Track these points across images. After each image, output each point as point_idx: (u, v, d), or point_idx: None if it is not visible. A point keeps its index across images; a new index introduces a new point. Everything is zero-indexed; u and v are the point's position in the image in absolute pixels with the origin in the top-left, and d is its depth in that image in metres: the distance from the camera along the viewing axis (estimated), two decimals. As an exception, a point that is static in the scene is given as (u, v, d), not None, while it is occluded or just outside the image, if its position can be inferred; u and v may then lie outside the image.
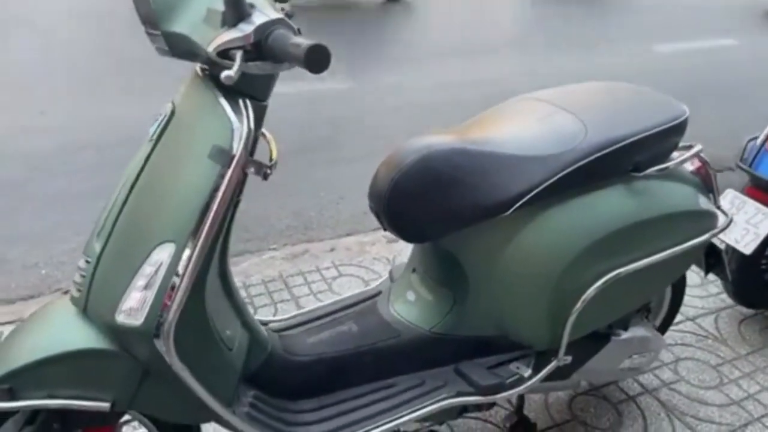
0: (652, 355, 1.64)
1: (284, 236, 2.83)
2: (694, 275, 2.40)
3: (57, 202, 2.93)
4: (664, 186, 1.43)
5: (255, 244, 2.75)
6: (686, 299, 2.25)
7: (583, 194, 1.36)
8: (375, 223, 3.04)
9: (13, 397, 1.14)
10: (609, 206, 1.36)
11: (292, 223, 2.94)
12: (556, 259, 1.34)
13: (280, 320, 1.54)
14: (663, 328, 1.87)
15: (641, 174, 1.39)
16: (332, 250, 2.68)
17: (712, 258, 1.77)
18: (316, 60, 0.91)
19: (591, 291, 1.36)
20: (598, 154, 1.33)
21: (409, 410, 1.37)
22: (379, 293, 1.61)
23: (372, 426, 1.34)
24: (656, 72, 5.26)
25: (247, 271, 2.48)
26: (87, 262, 1.15)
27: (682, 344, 2.09)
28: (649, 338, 1.60)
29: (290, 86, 4.43)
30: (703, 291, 2.37)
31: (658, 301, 1.83)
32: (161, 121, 1.13)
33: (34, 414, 1.19)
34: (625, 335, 1.56)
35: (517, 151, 1.33)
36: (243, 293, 2.28)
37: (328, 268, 2.49)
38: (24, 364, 1.14)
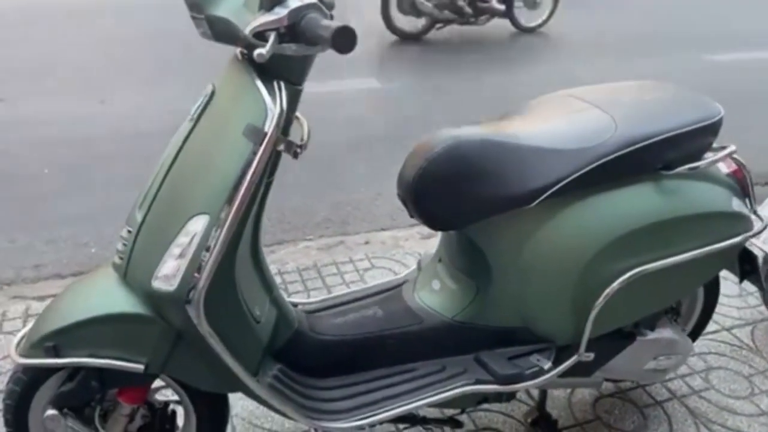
0: (679, 358, 1.62)
1: (321, 228, 2.90)
2: (732, 285, 2.35)
3: (110, 186, 3.08)
4: (695, 186, 1.42)
5: (292, 234, 2.82)
6: (723, 309, 2.22)
7: (610, 189, 1.36)
8: (410, 220, 3.09)
9: (57, 354, 1.23)
10: (636, 202, 1.36)
11: (330, 216, 3.01)
12: (580, 252, 1.35)
13: (308, 303, 1.59)
14: (694, 335, 1.84)
15: (671, 172, 1.39)
16: (367, 243, 2.73)
17: (747, 265, 1.73)
18: (343, 41, 0.96)
19: (614, 286, 1.36)
20: (627, 150, 1.34)
21: (428, 394, 1.40)
22: (405, 282, 1.65)
23: (391, 406, 1.38)
24: (708, 82, 5.12)
25: (283, 259, 2.55)
26: (129, 231, 1.24)
27: (716, 353, 2.05)
28: (677, 341, 1.59)
29: (327, 86, 4.54)
30: (742, 302, 2.32)
31: (690, 307, 1.80)
32: (202, 101, 1.20)
33: (75, 372, 1.28)
34: (651, 335, 1.55)
35: (544, 143, 1.35)
36: (278, 279, 2.34)
37: (361, 260, 2.54)
38: (68, 324, 1.23)
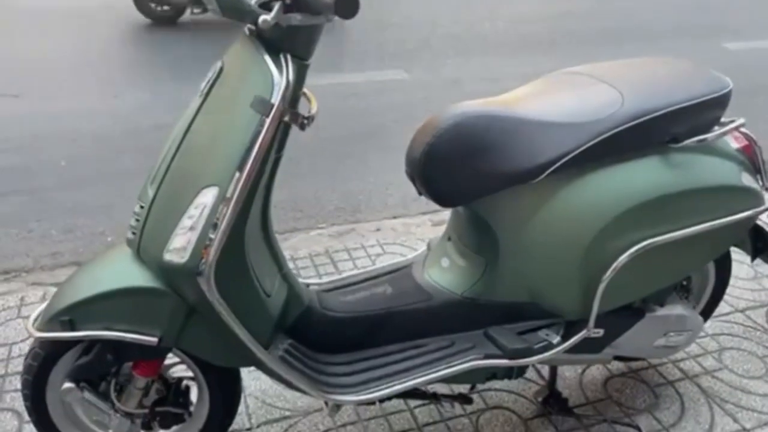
0: (689, 335, 1.61)
1: (333, 217, 2.92)
2: (746, 268, 2.33)
3: (125, 177, 3.12)
4: (703, 159, 1.42)
5: (304, 222, 2.85)
6: (737, 291, 2.21)
7: (618, 163, 1.36)
8: (422, 208, 3.10)
9: (73, 328, 1.26)
10: (643, 175, 1.36)
11: (341, 204, 3.03)
12: (587, 225, 1.35)
13: (319, 282, 1.61)
14: (706, 315, 1.83)
15: (679, 145, 1.39)
16: (378, 230, 2.75)
17: (759, 242, 1.72)
18: (346, 7, 0.98)
19: (621, 260, 1.37)
20: (634, 123, 1.34)
21: (438, 369, 1.41)
22: (415, 261, 1.66)
23: (401, 381, 1.39)
24: (725, 70, 5.07)
25: (295, 246, 2.58)
26: (141, 207, 1.26)
27: (729, 334, 2.04)
28: (687, 317, 1.58)
29: (351, 78, 4.56)
30: (756, 284, 2.30)
31: (701, 285, 1.79)
32: (211, 77, 1.23)
33: (90, 346, 1.31)
34: (660, 311, 1.55)
35: (551, 118, 1.36)
36: (290, 265, 2.37)
37: (372, 246, 2.56)
38: (83, 298, 1.26)
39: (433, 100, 4.24)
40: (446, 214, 2.86)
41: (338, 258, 2.47)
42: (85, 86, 4.50)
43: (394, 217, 2.90)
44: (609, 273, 1.38)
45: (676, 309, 1.57)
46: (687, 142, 1.39)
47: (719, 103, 1.42)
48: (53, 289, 2.21)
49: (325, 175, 3.27)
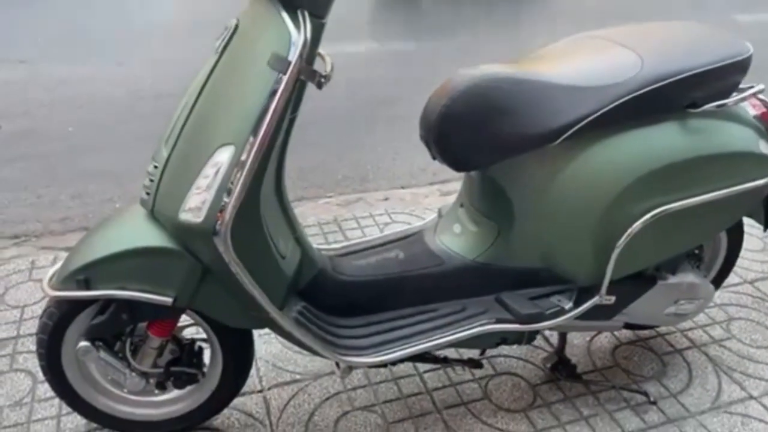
0: (700, 303, 1.61)
1: (341, 186, 2.92)
2: (756, 240, 2.33)
3: (132, 144, 3.12)
4: (721, 125, 1.40)
5: (312, 191, 2.84)
6: (746, 263, 2.21)
7: (635, 127, 1.35)
8: (429, 178, 3.09)
9: (88, 287, 1.26)
10: (661, 140, 1.35)
11: (349, 174, 3.02)
12: (603, 191, 1.34)
13: (331, 248, 1.61)
14: (716, 284, 1.83)
15: (698, 110, 1.37)
16: (386, 199, 2.74)
17: (773, 212, 1.71)
18: None
19: (637, 226, 1.36)
20: (653, 87, 1.32)
21: (449, 332, 1.42)
22: (426, 228, 1.66)
23: (413, 344, 1.40)
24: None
25: (304, 214, 2.57)
26: (155, 167, 1.25)
27: (738, 305, 2.04)
28: (698, 285, 1.58)
29: (355, 46, 4.51)
30: (765, 256, 2.30)
31: (712, 254, 1.79)
32: (226, 35, 1.21)
33: (106, 305, 1.31)
34: (672, 279, 1.55)
35: (569, 81, 1.34)
36: (299, 232, 2.38)
37: (380, 215, 2.56)
38: (98, 258, 1.26)
39: (441, 71, 4.20)
40: (455, 184, 2.88)
41: (347, 226, 2.47)
42: (89, 52, 4.46)
43: (402, 187, 2.89)
44: (623, 239, 1.37)
45: (688, 277, 1.57)
46: (706, 107, 1.37)
47: (739, 68, 1.39)
48: (64, 254, 2.23)
49: (333, 145, 3.26)
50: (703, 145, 1.37)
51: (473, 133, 1.35)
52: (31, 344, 1.80)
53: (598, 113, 1.31)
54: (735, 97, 1.42)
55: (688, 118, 1.38)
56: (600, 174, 1.34)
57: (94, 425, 1.54)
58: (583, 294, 1.48)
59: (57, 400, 1.60)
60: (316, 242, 2.34)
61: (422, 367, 1.76)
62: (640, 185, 1.34)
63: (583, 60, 1.40)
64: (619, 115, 1.33)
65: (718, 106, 1.38)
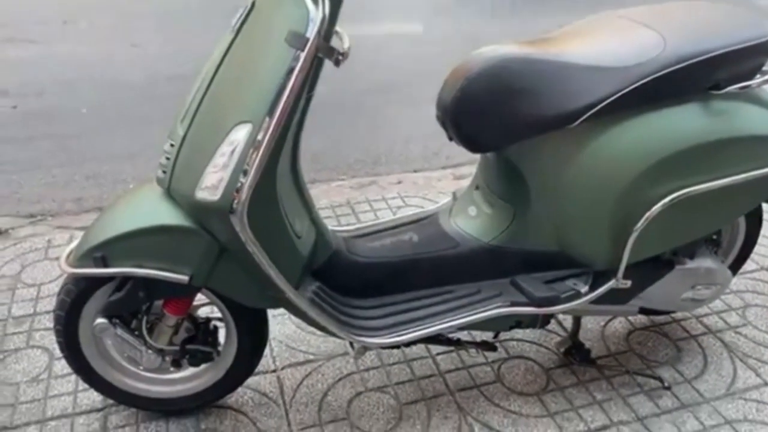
0: (717, 288, 1.60)
1: (353, 169, 2.91)
2: (774, 226, 2.30)
3: (146, 125, 3.13)
4: (745, 107, 1.38)
5: (325, 174, 2.84)
6: (763, 249, 2.18)
7: (657, 109, 1.33)
8: (442, 162, 3.08)
9: (105, 265, 1.27)
10: (682, 123, 1.33)
11: (361, 157, 3.01)
12: (622, 173, 1.33)
13: (345, 230, 1.61)
14: (733, 270, 1.81)
15: (720, 92, 1.34)
16: (399, 182, 2.74)
17: (793, 198, 1.68)
18: None
19: (655, 209, 1.34)
20: (675, 68, 1.29)
21: (463, 314, 1.42)
22: (441, 210, 1.65)
23: (427, 325, 1.40)
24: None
25: (317, 196, 2.52)
26: (171, 145, 1.25)
27: (754, 292, 2.02)
28: (716, 270, 1.57)
29: (369, 29, 4.47)
30: (783, 243, 2.27)
31: (731, 240, 1.77)
32: (242, 13, 1.20)
33: (123, 283, 1.32)
34: (690, 264, 1.53)
35: (589, 61, 1.31)
36: (312, 215, 2.38)
37: (393, 198, 2.55)
38: (115, 235, 1.27)
39: (450, 54, 4.16)
40: (468, 168, 2.86)
41: (360, 209, 2.47)
42: (103, 33, 4.46)
43: (416, 171, 2.88)
44: (641, 223, 1.36)
45: (705, 262, 1.55)
46: (729, 89, 1.35)
47: (763, 49, 1.36)
48: (79, 233, 2.24)
49: (345, 128, 3.24)
50: (726, 128, 1.34)
51: (490, 114, 1.33)
52: (47, 321, 1.82)
53: (619, 94, 1.29)
54: (759, 79, 1.39)
55: (711, 99, 1.35)
56: (619, 156, 1.32)
57: (110, 401, 1.55)
58: (599, 278, 1.47)
59: (73, 377, 1.62)
60: (329, 224, 2.36)
61: (435, 349, 1.77)
62: (661, 168, 1.32)
63: (604, 40, 1.38)
64: (640, 97, 1.30)
65: (741, 88, 1.36)
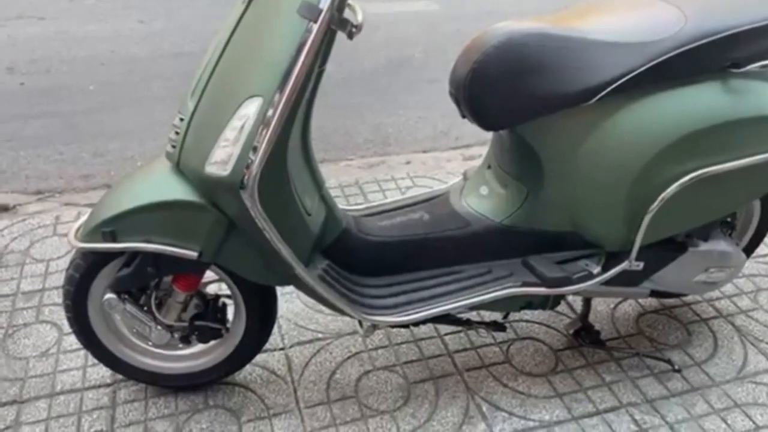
0: (730, 271, 1.58)
1: (362, 149, 2.89)
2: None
3: (153, 102, 3.11)
4: (765, 87, 1.34)
5: (333, 154, 2.82)
6: (776, 234, 2.15)
7: (675, 87, 1.30)
8: (453, 142, 3.04)
9: (114, 240, 1.26)
10: (701, 101, 1.30)
11: (371, 137, 2.98)
12: (638, 153, 1.30)
13: (355, 209, 1.59)
14: (747, 253, 1.79)
15: (740, 70, 1.31)
16: (408, 163, 2.71)
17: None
18: None
19: (671, 190, 1.32)
20: (694, 45, 1.26)
21: (474, 294, 1.41)
22: (451, 190, 1.63)
23: (437, 304, 1.39)
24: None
25: (325, 176, 2.53)
26: (181, 119, 1.23)
27: (766, 275, 2.00)
28: (730, 253, 1.54)
29: (379, 7, 4.42)
30: (797, 227, 2.24)
31: (745, 222, 1.74)
32: (254, -17, 1.17)
33: (132, 258, 1.32)
34: (704, 246, 1.51)
35: (606, 37, 1.29)
36: (320, 194, 2.36)
37: (402, 179, 2.53)
38: (124, 210, 1.26)
39: (465, 32, 4.11)
40: (478, 149, 2.83)
41: (368, 189, 2.45)
42: (110, 10, 4.42)
43: (425, 151, 2.86)
44: (656, 204, 1.34)
45: (719, 245, 1.53)
46: (749, 67, 1.32)
47: (786, 27, 1.33)
48: (87, 210, 2.24)
49: (354, 108, 3.21)
50: (745, 107, 1.32)
51: (505, 91, 1.31)
52: (56, 297, 1.82)
53: (637, 71, 1.27)
54: (781, 56, 1.36)
55: (731, 78, 1.32)
56: (635, 135, 1.30)
57: (119, 376, 1.56)
58: (611, 259, 1.45)
59: (83, 352, 1.63)
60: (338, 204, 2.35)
61: (443, 329, 1.76)
62: (677, 148, 1.30)
63: (623, 15, 1.35)
64: (658, 74, 1.28)
65: (762, 67, 1.33)
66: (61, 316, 1.73)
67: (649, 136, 1.29)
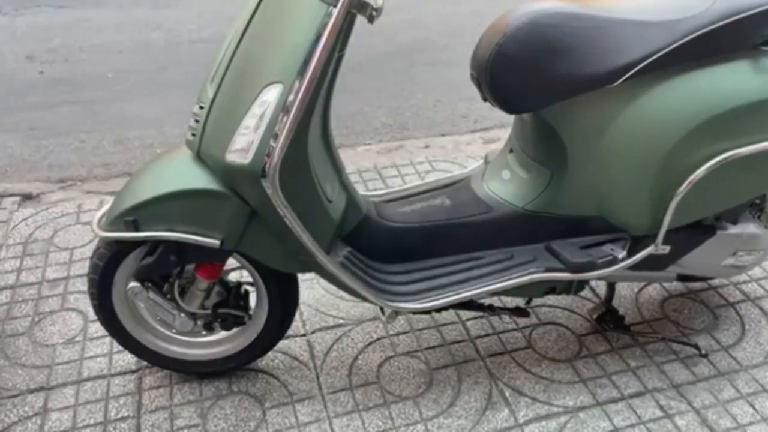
0: (760, 255, 1.54)
1: (380, 133, 2.87)
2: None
3: (172, 90, 3.11)
4: (798, 65, 1.30)
5: (351, 138, 2.80)
6: (806, 215, 2.10)
7: (704, 66, 1.26)
8: (471, 125, 3.01)
9: (137, 229, 1.27)
10: (731, 80, 1.26)
11: (388, 121, 2.96)
12: (666, 135, 1.27)
13: (376, 195, 1.58)
14: (775, 236, 1.75)
15: (773, 48, 1.27)
16: (427, 147, 2.69)
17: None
18: None
19: (700, 172, 1.29)
20: (724, 22, 1.22)
21: (497, 280, 1.39)
22: (473, 175, 1.61)
23: (461, 291, 1.38)
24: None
25: (343, 161, 2.54)
26: (201, 107, 1.23)
27: (795, 259, 1.96)
28: (759, 236, 1.51)
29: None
30: (827, 209, 2.18)
31: (774, 204, 1.70)
32: (272, -32, 1.15)
33: (154, 247, 1.32)
34: (733, 229, 1.48)
35: (632, 15, 1.25)
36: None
37: (421, 163, 2.51)
38: (145, 200, 1.26)
39: (483, 13, 4.05)
40: (497, 132, 2.80)
41: (387, 174, 2.44)
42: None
43: (443, 135, 2.83)
44: (684, 186, 1.31)
45: (748, 228, 1.50)
46: (782, 45, 1.27)
47: (820, 3, 1.28)
48: (109, 198, 2.26)
49: (371, 91, 3.19)
50: None
51: (528, 73, 1.28)
52: (81, 285, 1.85)
53: (664, 51, 1.23)
54: (815, 33, 1.31)
55: (761, 56, 1.28)
56: (663, 117, 1.27)
57: (145, 363, 1.58)
58: (636, 243, 1.42)
59: (108, 339, 1.65)
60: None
61: (464, 315, 1.75)
62: (706, 129, 1.26)
63: (649, -7, 1.31)
64: (686, 54, 1.24)
65: None
66: (86, 304, 1.75)
67: (677, 117, 1.26)
